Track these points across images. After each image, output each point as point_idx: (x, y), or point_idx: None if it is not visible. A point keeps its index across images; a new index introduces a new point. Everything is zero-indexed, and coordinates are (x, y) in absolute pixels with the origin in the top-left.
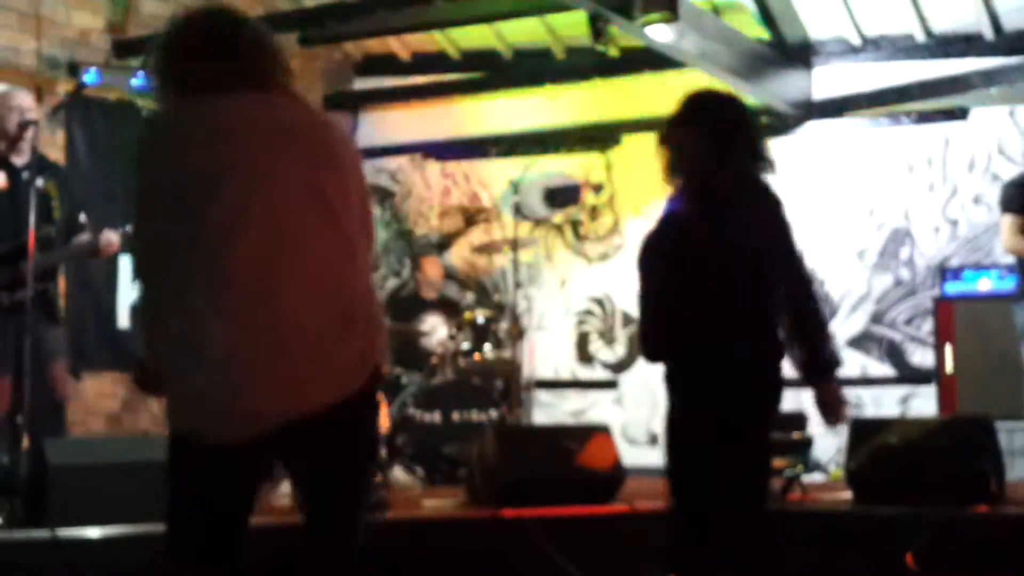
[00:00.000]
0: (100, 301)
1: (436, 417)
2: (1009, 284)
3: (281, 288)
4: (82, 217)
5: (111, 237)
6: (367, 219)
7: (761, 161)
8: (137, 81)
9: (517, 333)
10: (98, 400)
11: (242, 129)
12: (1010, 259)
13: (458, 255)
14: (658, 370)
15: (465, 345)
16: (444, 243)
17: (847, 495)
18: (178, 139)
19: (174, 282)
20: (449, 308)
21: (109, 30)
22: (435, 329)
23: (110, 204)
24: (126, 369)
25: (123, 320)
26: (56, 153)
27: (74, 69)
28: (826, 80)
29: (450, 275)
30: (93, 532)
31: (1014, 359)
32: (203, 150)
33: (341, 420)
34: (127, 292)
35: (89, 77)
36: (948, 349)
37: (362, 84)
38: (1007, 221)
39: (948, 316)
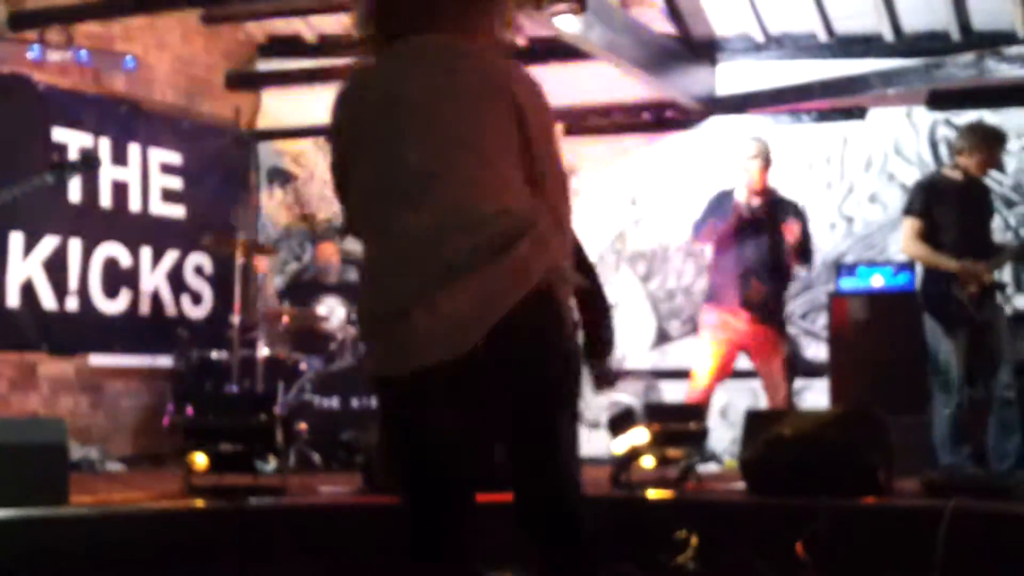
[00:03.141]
0: None
1: (334, 403)
2: (902, 280)
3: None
4: None
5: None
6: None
7: None
8: (32, 54)
9: None
10: None
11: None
12: (903, 257)
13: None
14: None
15: None
16: (346, 228)
17: (740, 485)
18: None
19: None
20: (349, 292)
21: (4, 1)
22: (334, 313)
23: (3, 179)
24: (14, 348)
25: (12, 299)
26: None
27: None
28: (730, 76)
29: (351, 260)
30: None
31: (907, 355)
32: (377, 113)
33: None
34: (17, 269)
35: None
36: (841, 343)
37: (266, 65)
38: (908, 224)
39: (842, 311)
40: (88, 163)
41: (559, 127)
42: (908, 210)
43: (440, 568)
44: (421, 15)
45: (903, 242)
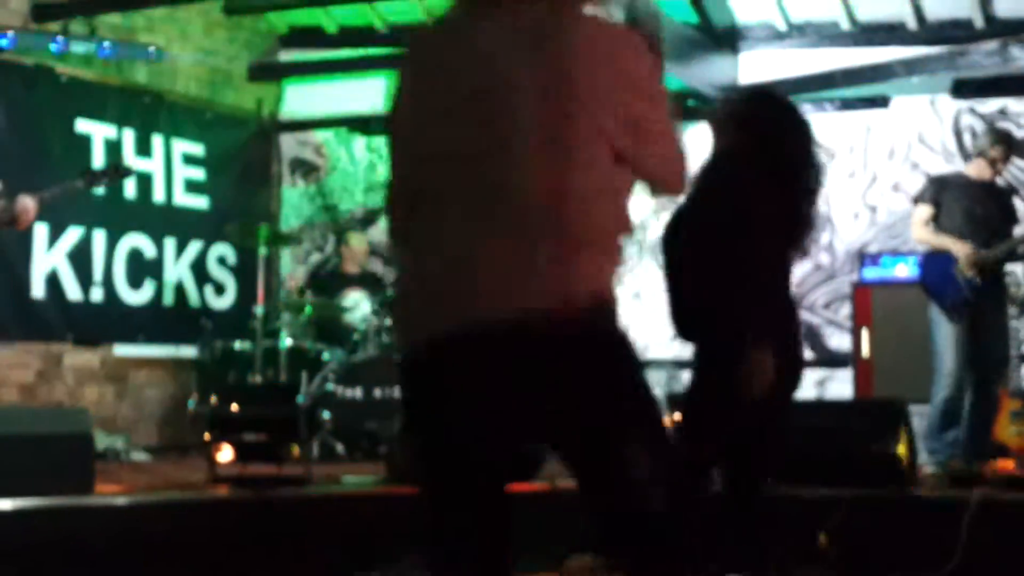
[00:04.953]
0: (13, 270)
1: (358, 393)
2: None
3: None
4: None
5: (27, 203)
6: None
7: None
8: (56, 46)
9: None
10: (11, 371)
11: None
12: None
13: (383, 231)
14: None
15: (388, 321)
16: (369, 218)
17: None
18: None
19: None
20: (373, 284)
21: None
22: (358, 305)
23: (27, 171)
24: (40, 339)
25: (38, 290)
26: None
27: None
28: (752, 65)
29: (375, 251)
30: (4, 504)
31: (928, 345)
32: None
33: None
34: (42, 261)
35: (4, 42)
36: (864, 334)
37: (287, 56)
38: (917, 211)
39: (866, 301)
40: (119, 173)
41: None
42: (918, 198)
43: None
44: None
45: (912, 228)
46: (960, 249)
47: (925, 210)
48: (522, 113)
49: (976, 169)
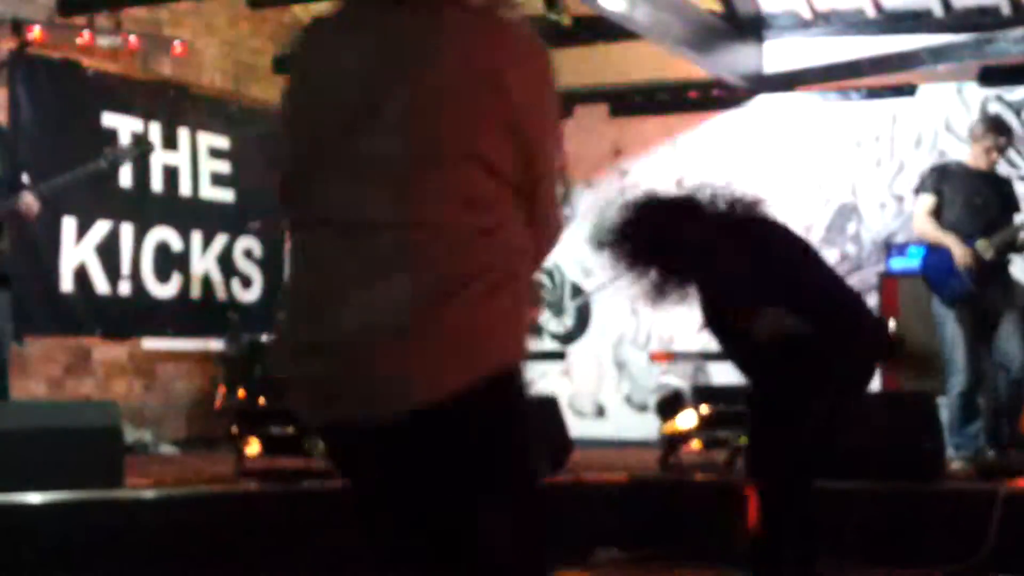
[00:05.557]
0: (43, 264)
1: None
2: None
3: None
4: (24, 178)
5: (29, 200)
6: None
7: None
8: (82, 39)
9: None
10: (40, 365)
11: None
12: None
13: None
14: (605, 343)
15: None
16: None
17: None
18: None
19: None
20: None
21: None
22: None
23: (54, 164)
24: (69, 333)
25: (66, 283)
26: None
27: (18, 27)
28: (777, 54)
29: None
30: (34, 498)
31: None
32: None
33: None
34: (70, 254)
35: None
36: (891, 324)
37: None
38: (919, 201)
39: (893, 291)
40: (141, 148)
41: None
42: (919, 188)
43: None
44: None
45: (914, 219)
46: (957, 250)
47: (928, 200)
48: (390, 134)
49: (974, 158)
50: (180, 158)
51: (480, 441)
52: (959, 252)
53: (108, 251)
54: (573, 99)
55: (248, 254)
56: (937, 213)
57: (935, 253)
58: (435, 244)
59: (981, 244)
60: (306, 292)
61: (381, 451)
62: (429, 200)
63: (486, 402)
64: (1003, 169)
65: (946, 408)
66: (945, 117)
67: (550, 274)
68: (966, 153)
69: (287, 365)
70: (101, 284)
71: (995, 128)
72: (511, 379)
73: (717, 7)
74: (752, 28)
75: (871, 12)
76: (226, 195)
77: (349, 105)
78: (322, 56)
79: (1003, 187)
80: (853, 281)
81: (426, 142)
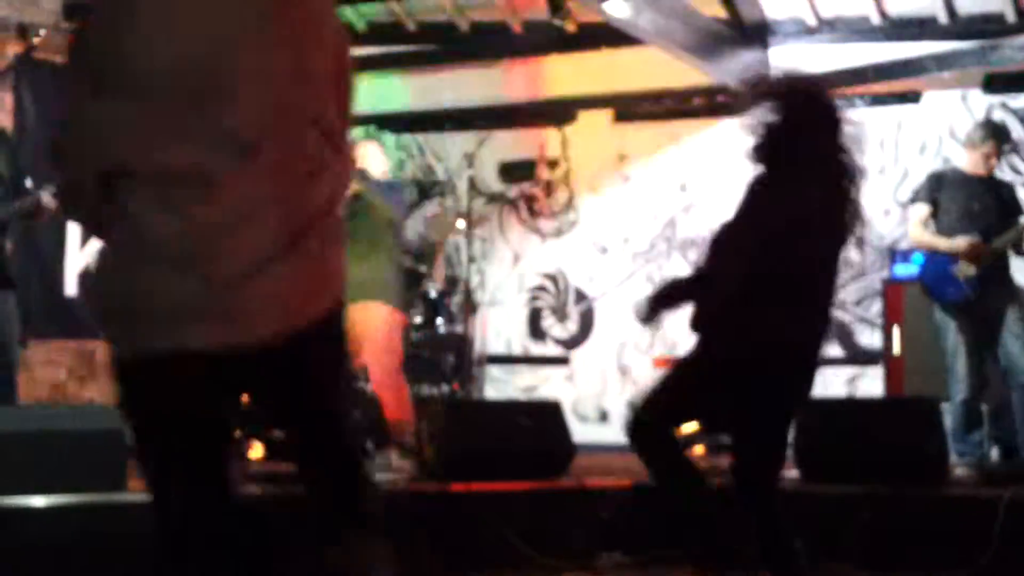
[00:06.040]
0: (47, 267)
1: None
2: None
3: None
4: (28, 182)
5: (47, 198)
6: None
7: None
8: None
9: (469, 308)
10: (44, 369)
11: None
12: None
13: (411, 228)
14: (608, 348)
15: (417, 319)
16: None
17: (793, 474)
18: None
19: None
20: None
21: None
22: None
23: None
24: (73, 337)
25: (70, 287)
26: (4, 117)
27: (23, 31)
28: (782, 60)
29: (405, 249)
30: (37, 501)
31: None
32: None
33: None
34: (75, 258)
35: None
36: (896, 331)
37: None
38: (913, 211)
39: (897, 298)
40: None
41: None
42: (914, 198)
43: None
44: None
45: (909, 228)
46: (952, 247)
47: (922, 209)
48: (241, 103)
49: (973, 164)
50: None
51: (340, 347)
52: (960, 247)
53: None
54: (577, 105)
55: None
56: (934, 221)
57: (933, 260)
58: (283, 196)
59: (979, 246)
60: (167, 239)
61: (264, 362)
62: (277, 159)
63: (337, 321)
64: (1007, 175)
65: (949, 415)
66: (949, 124)
67: (554, 279)
68: (965, 160)
69: (138, 297)
70: None
71: (993, 134)
72: (343, 304)
73: (722, 13)
74: (757, 34)
75: (876, 19)
76: None
77: (197, 69)
78: (152, 16)
79: (1002, 192)
80: (857, 288)
81: (278, 111)
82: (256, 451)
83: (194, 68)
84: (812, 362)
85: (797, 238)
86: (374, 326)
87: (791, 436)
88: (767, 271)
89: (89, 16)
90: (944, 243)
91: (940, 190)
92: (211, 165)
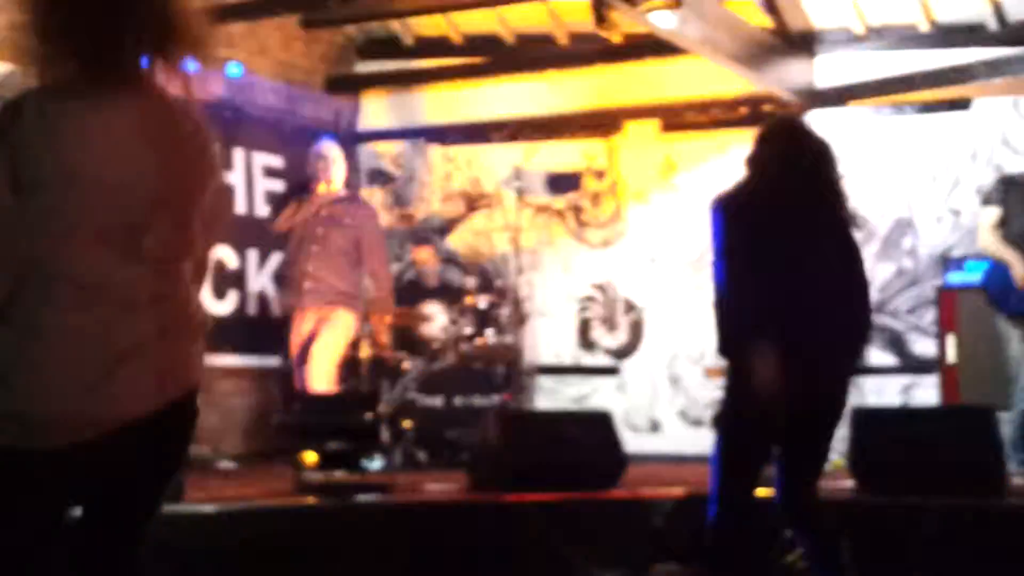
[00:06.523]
0: None
1: (438, 401)
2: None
3: None
4: None
5: None
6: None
7: None
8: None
9: (519, 319)
10: None
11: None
12: None
13: (460, 240)
14: (658, 357)
15: (467, 330)
16: (445, 228)
17: (849, 484)
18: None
19: None
20: (450, 294)
21: None
22: (436, 315)
23: None
24: None
25: None
26: None
27: None
28: (829, 69)
29: (451, 260)
30: None
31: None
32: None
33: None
34: None
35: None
36: (950, 339)
37: (364, 68)
38: (984, 215)
39: (951, 306)
40: None
41: None
42: (984, 201)
43: None
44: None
45: (978, 233)
46: (1018, 268)
47: (991, 213)
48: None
49: None
50: (236, 177)
51: (186, 435)
52: (1019, 270)
53: None
54: (624, 116)
55: None
56: (1002, 226)
57: (997, 268)
58: (171, 308)
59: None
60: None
61: (123, 441)
62: (172, 281)
63: (191, 408)
64: None
65: (1009, 424)
66: (1001, 131)
67: (603, 289)
68: None
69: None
70: None
71: None
72: (197, 393)
73: (768, 23)
74: (804, 43)
75: (924, 26)
76: None
77: (128, 195)
78: (80, 131)
79: None
80: (910, 296)
81: (181, 239)
82: (309, 461)
83: (111, 192)
84: (842, 363)
85: (778, 248)
86: None
87: (845, 446)
88: (766, 283)
89: (13, 119)
90: (1004, 251)
91: (1009, 194)
92: (122, 275)
